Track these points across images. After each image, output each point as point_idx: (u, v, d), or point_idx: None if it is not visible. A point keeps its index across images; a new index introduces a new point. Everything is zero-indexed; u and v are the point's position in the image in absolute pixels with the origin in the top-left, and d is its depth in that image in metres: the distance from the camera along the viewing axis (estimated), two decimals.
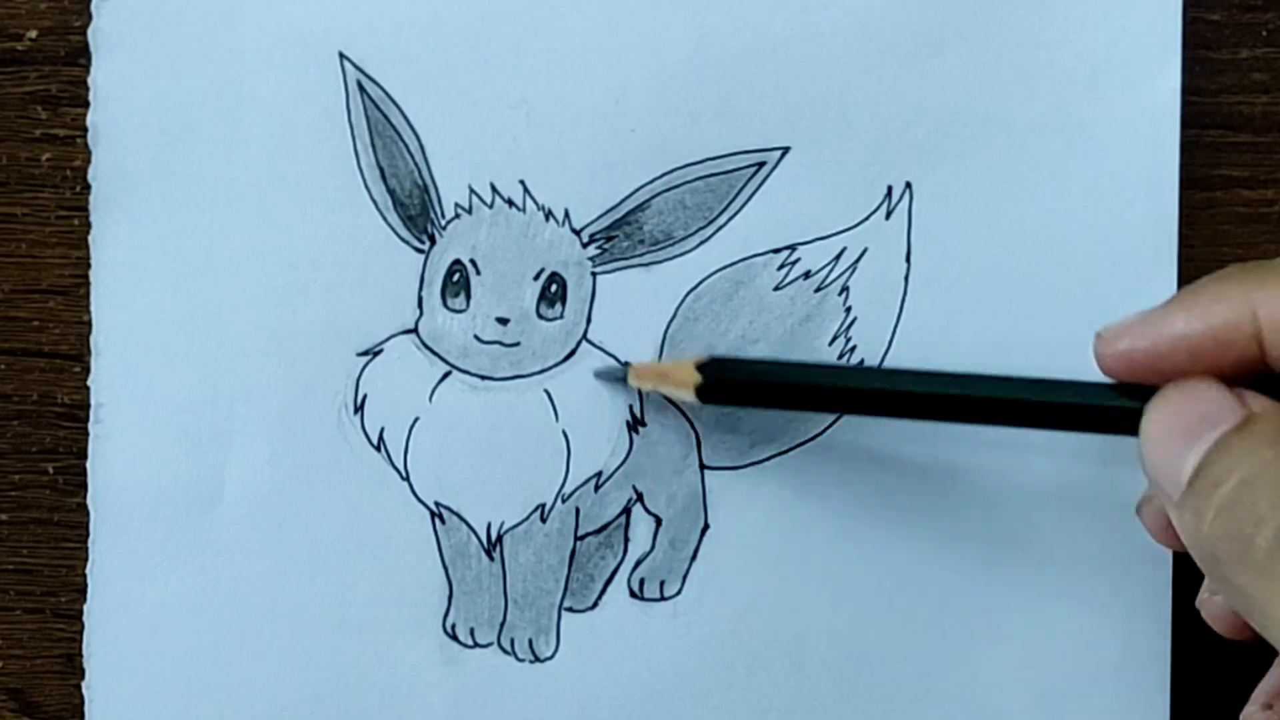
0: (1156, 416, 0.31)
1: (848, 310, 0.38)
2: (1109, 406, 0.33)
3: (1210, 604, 0.35)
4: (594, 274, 0.38)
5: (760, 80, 0.38)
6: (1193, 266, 0.38)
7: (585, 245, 0.38)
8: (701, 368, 0.36)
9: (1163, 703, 0.38)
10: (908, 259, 0.38)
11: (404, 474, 0.38)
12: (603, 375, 0.38)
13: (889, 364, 0.38)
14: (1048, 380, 0.34)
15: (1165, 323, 0.32)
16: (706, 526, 0.39)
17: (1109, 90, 0.38)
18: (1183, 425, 0.31)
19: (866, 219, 0.38)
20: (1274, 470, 0.29)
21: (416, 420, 0.38)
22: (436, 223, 0.38)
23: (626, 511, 0.39)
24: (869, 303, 0.38)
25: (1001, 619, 0.38)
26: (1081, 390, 0.33)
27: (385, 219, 0.38)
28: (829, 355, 0.38)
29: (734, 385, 0.36)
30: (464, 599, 0.39)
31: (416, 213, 0.38)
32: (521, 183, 0.38)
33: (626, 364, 0.38)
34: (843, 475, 0.38)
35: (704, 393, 0.36)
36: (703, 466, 0.39)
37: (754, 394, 0.36)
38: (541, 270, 0.38)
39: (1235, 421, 0.30)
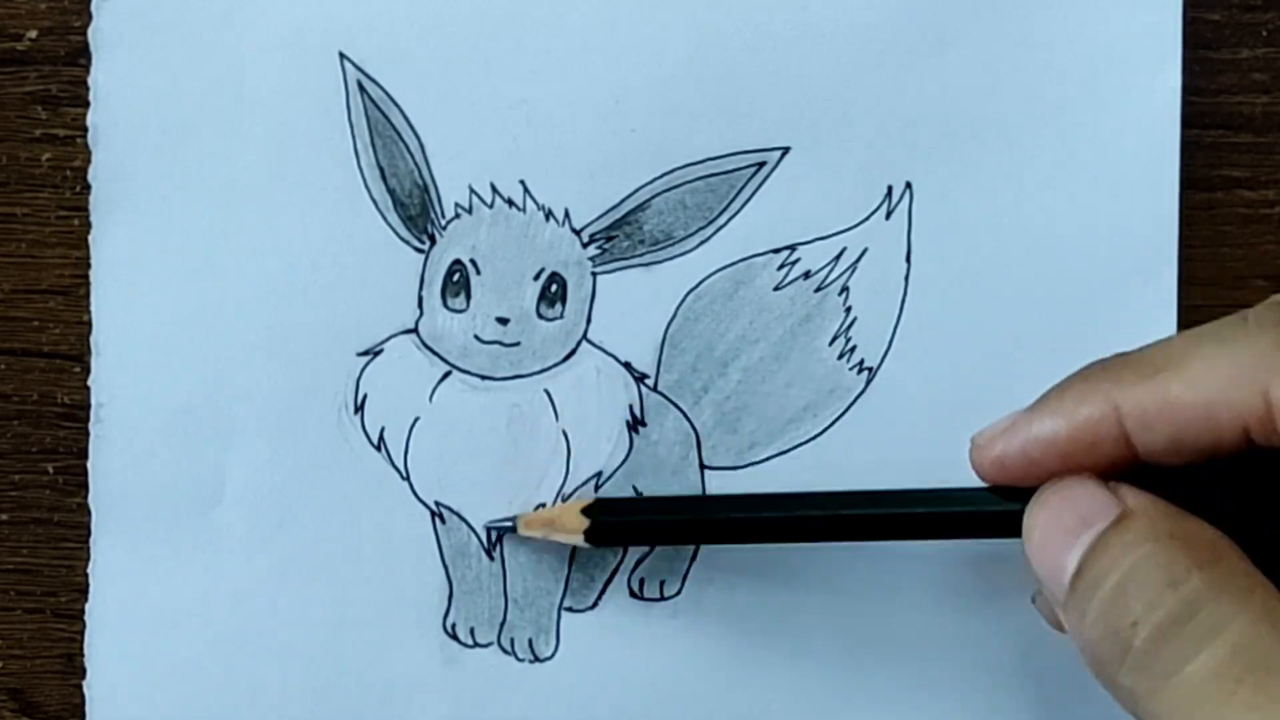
0: (1036, 518, 0.32)
1: (848, 310, 0.38)
2: (991, 513, 0.33)
3: (1042, 601, 0.35)
4: (594, 274, 0.38)
5: (760, 80, 0.38)
6: (1193, 266, 0.38)
7: (585, 245, 0.38)
8: (588, 511, 0.36)
9: None
10: (908, 259, 0.38)
11: (404, 474, 0.38)
12: (493, 527, 0.38)
13: (889, 365, 0.38)
14: (930, 491, 0.35)
15: (1033, 427, 0.32)
16: None
17: (1109, 90, 0.38)
18: (1062, 526, 0.31)
19: (866, 219, 0.38)
20: (1148, 568, 0.29)
21: (416, 420, 0.38)
22: (436, 223, 0.38)
23: None
24: (869, 303, 0.38)
25: (1002, 618, 0.38)
26: (964, 498, 0.34)
27: (385, 219, 0.38)
28: (829, 355, 0.38)
29: (622, 527, 0.37)
30: (464, 599, 0.39)
31: (416, 213, 0.38)
32: (521, 183, 0.38)
33: (515, 518, 0.38)
34: (843, 475, 0.38)
35: (593, 536, 0.36)
36: (703, 466, 0.39)
37: (643, 533, 0.37)
38: (541, 270, 0.38)
39: (1111, 519, 0.30)
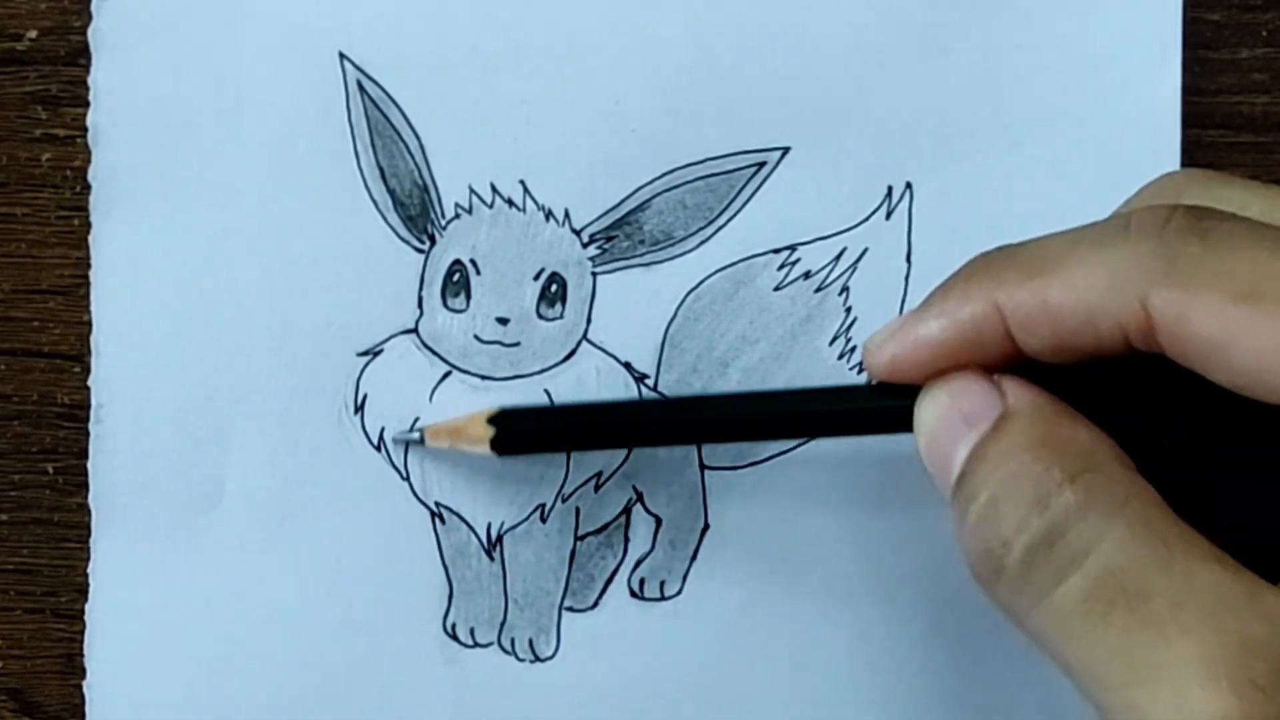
0: (924, 415, 0.31)
1: (848, 310, 0.38)
2: (886, 407, 0.33)
3: None
4: (594, 274, 0.38)
5: (760, 80, 0.38)
6: None
7: (585, 245, 0.38)
8: (493, 420, 0.36)
9: None
10: (908, 259, 0.38)
11: (404, 474, 0.38)
12: (398, 440, 0.38)
13: None
14: (827, 389, 0.35)
15: (920, 327, 0.31)
16: (706, 526, 0.39)
17: (1109, 90, 0.38)
18: (947, 426, 0.30)
19: (866, 219, 0.38)
20: (1018, 484, 0.28)
21: (417, 420, 0.38)
22: (436, 223, 0.38)
23: (626, 511, 0.39)
24: (869, 303, 0.38)
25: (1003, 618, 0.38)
26: (859, 394, 0.34)
27: (385, 219, 0.38)
28: (829, 355, 0.38)
29: (526, 434, 0.37)
30: (464, 599, 0.39)
31: (416, 213, 0.38)
32: (521, 183, 0.38)
33: (421, 429, 0.38)
34: (844, 475, 0.38)
35: (498, 445, 0.36)
36: (703, 466, 0.39)
37: (548, 439, 0.37)
38: (541, 270, 0.38)
39: (992, 420, 0.30)
